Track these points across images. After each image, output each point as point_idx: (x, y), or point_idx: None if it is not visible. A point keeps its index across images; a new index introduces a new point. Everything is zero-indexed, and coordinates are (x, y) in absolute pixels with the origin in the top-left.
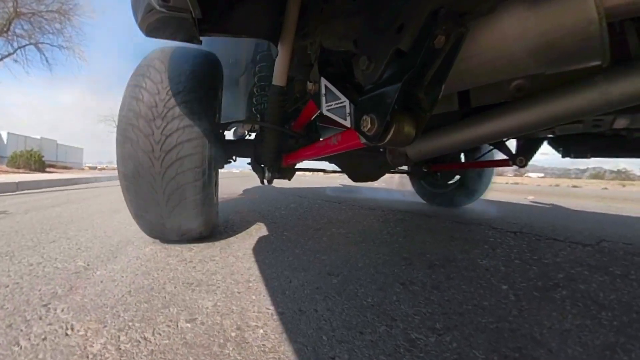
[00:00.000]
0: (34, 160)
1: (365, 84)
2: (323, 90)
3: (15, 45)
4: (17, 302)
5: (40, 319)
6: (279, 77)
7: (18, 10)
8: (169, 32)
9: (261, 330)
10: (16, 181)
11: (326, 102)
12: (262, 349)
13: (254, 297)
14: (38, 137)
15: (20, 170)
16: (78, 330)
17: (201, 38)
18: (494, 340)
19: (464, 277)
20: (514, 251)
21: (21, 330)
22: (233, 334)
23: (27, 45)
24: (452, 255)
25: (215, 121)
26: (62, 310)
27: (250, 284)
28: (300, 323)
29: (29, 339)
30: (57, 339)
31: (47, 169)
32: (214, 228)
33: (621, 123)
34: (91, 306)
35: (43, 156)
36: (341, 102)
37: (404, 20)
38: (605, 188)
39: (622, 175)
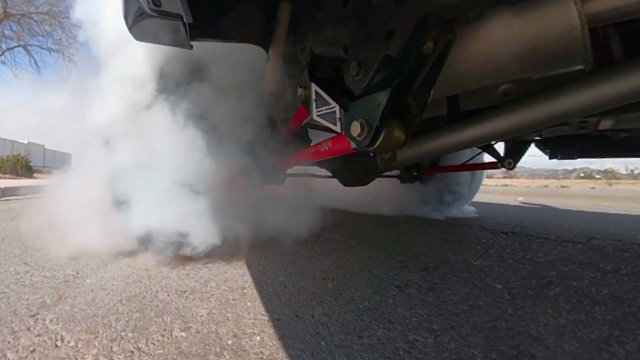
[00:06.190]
0: (21, 165)
1: (355, 89)
2: (313, 96)
3: (4, 47)
4: (4, 313)
5: (29, 329)
6: (269, 83)
7: (7, 11)
8: (160, 37)
9: (258, 337)
10: (2, 187)
11: (316, 108)
12: (260, 356)
13: (249, 304)
14: (25, 141)
15: (7, 176)
16: (68, 342)
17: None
18: (491, 338)
19: (458, 278)
20: (507, 251)
21: (8, 342)
22: (229, 342)
23: (15, 47)
24: (446, 257)
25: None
26: (51, 321)
27: (245, 291)
28: (297, 329)
29: (17, 352)
30: (46, 351)
31: (35, 175)
32: None
33: (606, 124)
34: (81, 316)
35: (30, 161)
36: (331, 108)
37: (393, 27)
38: (593, 187)
39: (609, 175)
